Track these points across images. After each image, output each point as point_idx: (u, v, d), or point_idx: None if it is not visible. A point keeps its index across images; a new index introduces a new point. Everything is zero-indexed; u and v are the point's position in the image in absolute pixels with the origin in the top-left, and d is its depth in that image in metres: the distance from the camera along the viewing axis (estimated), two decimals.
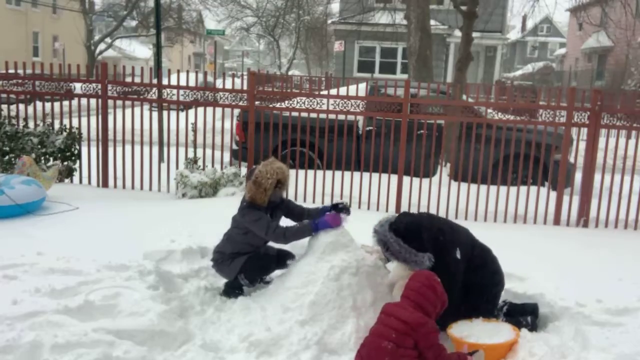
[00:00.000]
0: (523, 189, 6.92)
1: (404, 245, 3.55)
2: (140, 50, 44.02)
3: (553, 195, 6.94)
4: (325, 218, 4.01)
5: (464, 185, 7.05)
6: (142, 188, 7.48)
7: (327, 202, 7.04)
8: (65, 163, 7.53)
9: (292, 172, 7.17)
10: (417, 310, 3.21)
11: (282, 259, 4.33)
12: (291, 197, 6.97)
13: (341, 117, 7.38)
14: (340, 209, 4.08)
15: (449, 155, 7.68)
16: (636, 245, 6.03)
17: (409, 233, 3.59)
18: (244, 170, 7.26)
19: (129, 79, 8.27)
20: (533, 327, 3.79)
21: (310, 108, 7.05)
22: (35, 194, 5.68)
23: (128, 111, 7.71)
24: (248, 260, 4.18)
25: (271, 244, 4.33)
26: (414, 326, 3.12)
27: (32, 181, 5.86)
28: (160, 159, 7.95)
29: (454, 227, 3.89)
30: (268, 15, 31.04)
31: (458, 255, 3.67)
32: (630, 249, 5.75)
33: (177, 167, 7.31)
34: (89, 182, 7.60)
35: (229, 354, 3.47)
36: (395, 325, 3.14)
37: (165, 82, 8.34)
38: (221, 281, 4.37)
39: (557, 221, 6.81)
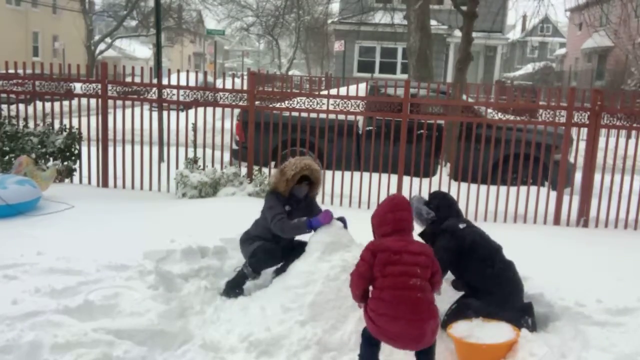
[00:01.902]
0: (523, 188, 6.92)
1: (421, 201, 4.17)
2: (140, 50, 44.00)
3: (553, 195, 6.94)
4: (318, 217, 4.04)
5: (464, 185, 7.05)
6: (142, 188, 7.48)
7: (327, 202, 7.07)
8: (65, 163, 7.53)
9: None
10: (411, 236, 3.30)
11: (297, 251, 4.30)
12: None
13: (341, 117, 7.38)
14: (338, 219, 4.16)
15: (449, 155, 7.68)
16: (636, 245, 6.03)
17: (431, 195, 4.32)
18: (244, 170, 7.27)
19: (129, 79, 8.27)
20: (533, 328, 3.79)
21: (310, 108, 7.05)
22: (28, 194, 5.63)
23: (128, 111, 7.71)
24: (259, 246, 4.21)
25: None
26: (431, 255, 3.22)
27: (27, 181, 5.81)
28: (160, 159, 7.95)
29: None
30: (268, 15, 31.02)
31: (461, 226, 3.96)
32: (630, 249, 5.75)
33: (177, 167, 7.31)
34: (89, 182, 7.60)
35: (229, 354, 3.46)
36: (414, 260, 3.13)
37: (165, 82, 8.34)
38: (221, 281, 4.38)
39: (557, 221, 6.81)
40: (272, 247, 4.24)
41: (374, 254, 3.14)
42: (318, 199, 7.02)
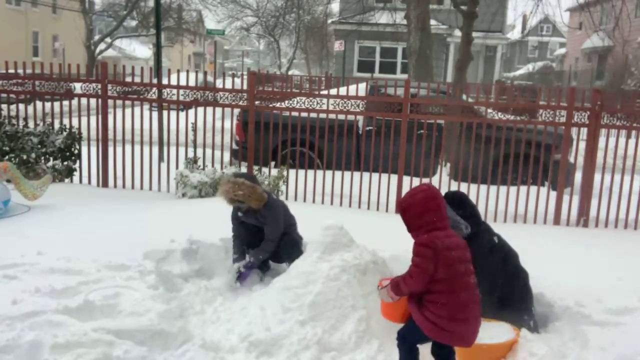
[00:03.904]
0: (523, 188, 6.92)
1: (452, 210, 3.65)
2: (140, 50, 43.99)
3: (553, 195, 6.94)
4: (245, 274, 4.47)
5: (464, 185, 7.04)
6: (142, 188, 7.48)
7: (327, 202, 7.07)
8: (65, 163, 7.53)
9: (292, 171, 7.21)
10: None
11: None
12: (291, 196, 6.99)
13: (341, 116, 7.37)
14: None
15: (449, 155, 7.68)
16: (636, 245, 6.03)
17: (456, 200, 3.78)
18: (244, 170, 7.26)
19: (129, 79, 8.27)
20: (535, 329, 3.79)
21: (310, 108, 7.05)
22: None
23: (128, 111, 7.71)
24: None
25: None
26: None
27: None
28: (160, 159, 7.95)
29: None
30: (268, 15, 31.06)
31: (496, 240, 3.80)
32: (631, 249, 5.74)
33: (177, 167, 7.31)
34: (89, 182, 7.60)
35: (229, 354, 3.46)
36: (466, 256, 3.05)
37: (165, 81, 8.34)
38: (221, 281, 4.39)
39: (557, 221, 6.81)
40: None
41: (436, 253, 2.91)
42: (318, 199, 7.08)
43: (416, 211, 3.02)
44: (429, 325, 2.98)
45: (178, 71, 7.85)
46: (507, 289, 3.78)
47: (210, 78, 18.80)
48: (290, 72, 30.12)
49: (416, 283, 2.97)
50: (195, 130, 7.40)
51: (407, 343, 3.17)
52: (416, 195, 3.06)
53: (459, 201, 3.80)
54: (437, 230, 2.99)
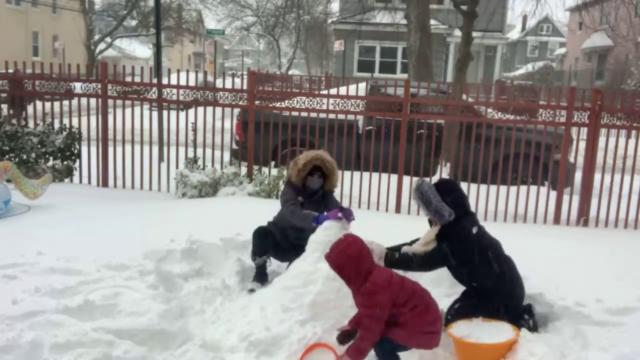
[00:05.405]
0: (523, 188, 6.92)
1: (437, 195, 3.75)
2: (140, 49, 44.01)
3: (553, 195, 6.94)
4: (326, 213, 4.10)
5: (464, 185, 7.03)
6: (142, 188, 7.48)
7: None
8: (65, 162, 7.53)
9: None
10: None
11: (290, 252, 4.44)
12: None
13: (341, 116, 7.37)
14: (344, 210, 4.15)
15: (449, 154, 7.68)
16: (636, 245, 6.02)
17: (444, 187, 3.86)
18: (244, 170, 7.26)
19: (129, 79, 8.27)
20: (534, 328, 3.79)
21: (310, 108, 7.05)
22: None
23: (128, 111, 7.71)
24: (254, 231, 4.51)
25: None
26: None
27: None
28: (160, 159, 7.95)
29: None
30: (268, 14, 31.09)
31: (474, 231, 3.80)
32: (630, 249, 5.73)
33: (177, 167, 7.30)
34: (89, 182, 7.59)
35: (229, 354, 3.46)
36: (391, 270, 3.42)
37: (165, 81, 8.33)
38: (221, 281, 4.39)
39: (557, 221, 6.81)
40: (263, 231, 4.50)
41: (389, 290, 3.13)
42: None
43: (356, 264, 3.18)
44: (425, 337, 3.19)
45: (178, 71, 7.85)
46: (487, 279, 3.77)
47: (210, 78, 18.77)
48: (290, 72, 30.12)
49: (379, 327, 3.14)
50: (195, 130, 7.40)
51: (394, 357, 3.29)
52: (348, 249, 3.21)
53: (448, 188, 3.86)
54: (371, 272, 3.18)
